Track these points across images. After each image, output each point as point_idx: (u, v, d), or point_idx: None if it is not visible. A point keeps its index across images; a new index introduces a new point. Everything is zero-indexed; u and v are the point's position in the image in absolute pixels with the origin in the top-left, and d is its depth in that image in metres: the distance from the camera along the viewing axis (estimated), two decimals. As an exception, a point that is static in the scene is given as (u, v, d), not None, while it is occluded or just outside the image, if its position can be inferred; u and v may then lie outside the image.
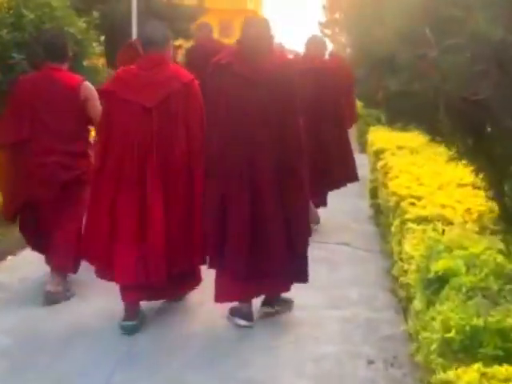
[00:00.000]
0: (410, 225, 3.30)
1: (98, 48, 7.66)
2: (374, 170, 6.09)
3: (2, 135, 4.16)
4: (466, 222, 3.22)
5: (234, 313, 3.72)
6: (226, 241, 3.59)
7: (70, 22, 6.34)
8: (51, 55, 4.14)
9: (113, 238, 3.58)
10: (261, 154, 3.57)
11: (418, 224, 3.25)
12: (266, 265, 3.60)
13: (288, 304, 3.87)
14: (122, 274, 3.58)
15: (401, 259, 3.38)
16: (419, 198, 3.67)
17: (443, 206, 3.48)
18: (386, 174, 4.84)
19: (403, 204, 3.67)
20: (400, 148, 6.00)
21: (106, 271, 3.68)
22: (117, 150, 3.59)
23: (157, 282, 3.57)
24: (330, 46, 46.39)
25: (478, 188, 3.78)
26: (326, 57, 6.28)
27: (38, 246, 4.30)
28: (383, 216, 4.97)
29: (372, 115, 11.68)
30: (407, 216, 3.45)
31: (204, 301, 3.95)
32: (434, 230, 3.07)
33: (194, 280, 3.88)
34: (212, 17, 46.21)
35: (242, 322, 3.69)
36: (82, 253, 3.82)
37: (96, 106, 4.06)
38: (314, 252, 4.19)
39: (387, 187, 4.29)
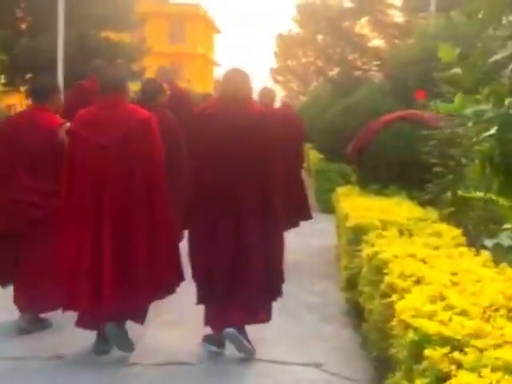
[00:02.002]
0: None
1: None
2: (351, 254, 4.57)
3: None
4: None
5: (207, 340, 4.03)
6: (211, 272, 3.85)
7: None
8: (35, 95, 4.35)
9: (75, 271, 3.74)
10: (245, 191, 3.85)
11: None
12: (247, 291, 3.84)
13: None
14: (74, 303, 3.78)
15: None
16: (459, 346, 2.14)
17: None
18: (381, 272, 3.32)
19: (431, 354, 2.13)
20: (384, 223, 4.56)
21: (69, 301, 3.82)
22: (79, 187, 3.76)
23: (110, 314, 3.69)
24: (281, 93, 46.05)
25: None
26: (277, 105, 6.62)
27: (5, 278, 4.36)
28: (375, 331, 3.40)
29: (334, 170, 10.31)
30: None
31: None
32: None
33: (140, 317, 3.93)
34: (162, 60, 45.67)
35: (214, 349, 3.99)
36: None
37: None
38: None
39: (392, 308, 2.73)
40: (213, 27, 53.71)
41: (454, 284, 2.79)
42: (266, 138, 3.91)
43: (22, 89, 15.67)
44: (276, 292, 4.05)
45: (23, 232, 4.17)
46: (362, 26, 15.11)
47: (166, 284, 3.92)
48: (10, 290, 4.40)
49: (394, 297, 2.73)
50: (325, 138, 11.27)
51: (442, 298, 2.50)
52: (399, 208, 5.24)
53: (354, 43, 14.77)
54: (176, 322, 4.55)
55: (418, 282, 2.83)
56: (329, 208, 9.77)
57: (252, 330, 3.97)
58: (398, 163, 6.32)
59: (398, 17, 14.09)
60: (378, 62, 13.91)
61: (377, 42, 14.59)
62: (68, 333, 4.12)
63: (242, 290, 3.85)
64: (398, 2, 14.04)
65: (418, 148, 6.09)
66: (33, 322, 4.29)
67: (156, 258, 3.79)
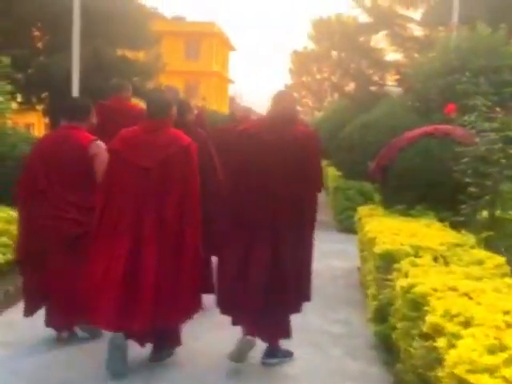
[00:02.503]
0: None
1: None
2: (380, 283, 4.18)
3: (20, 188, 4.41)
4: None
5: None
6: (244, 286, 3.87)
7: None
8: (71, 115, 4.43)
9: (104, 286, 3.73)
10: (282, 208, 3.91)
11: None
12: (279, 303, 3.90)
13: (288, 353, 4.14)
14: (106, 321, 3.75)
15: None
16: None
17: None
18: (419, 308, 2.93)
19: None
20: (415, 249, 4.19)
21: (94, 316, 3.80)
22: (115, 206, 3.82)
23: (140, 331, 3.75)
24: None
25: None
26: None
27: (35, 302, 4.38)
28: (414, 376, 3.00)
29: (353, 188, 9.92)
30: None
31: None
32: None
33: (175, 340, 4.04)
34: (177, 78, 45.86)
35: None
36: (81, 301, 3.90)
37: (103, 162, 4.13)
38: None
39: (438, 354, 2.33)
40: (228, 44, 53.76)
41: (510, 326, 2.40)
42: (306, 158, 3.98)
43: (39, 107, 15.51)
44: (304, 297, 4.08)
45: (58, 249, 4.22)
46: (379, 40, 14.78)
47: (194, 306, 3.99)
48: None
49: (441, 342, 2.34)
50: (343, 155, 10.89)
51: (503, 348, 2.11)
52: (430, 231, 4.86)
53: (370, 57, 14.44)
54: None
55: (466, 323, 2.44)
56: (348, 227, 9.42)
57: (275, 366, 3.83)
58: (425, 182, 5.94)
59: (417, 30, 13.76)
60: (397, 77, 13.55)
61: (394, 55, 14.24)
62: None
63: (272, 310, 3.90)
64: (417, 16, 13.72)
65: (447, 166, 5.74)
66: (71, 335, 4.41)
67: (186, 280, 3.87)
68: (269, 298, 3.85)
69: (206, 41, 48.63)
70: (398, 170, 6.09)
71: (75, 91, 10.19)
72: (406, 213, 5.90)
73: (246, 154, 3.96)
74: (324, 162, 16.83)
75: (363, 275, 5.71)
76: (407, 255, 4.10)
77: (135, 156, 3.83)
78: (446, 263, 3.92)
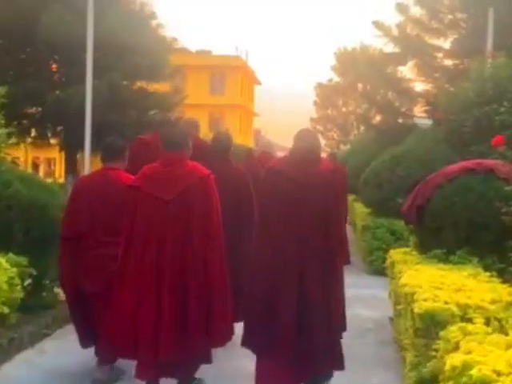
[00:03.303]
0: None
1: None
2: (421, 350, 3.48)
3: (64, 229, 4.56)
4: None
5: None
6: (272, 329, 3.81)
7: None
8: (109, 155, 4.57)
9: (134, 321, 3.84)
10: (309, 248, 3.88)
11: None
12: (310, 350, 3.81)
13: None
14: (144, 373, 3.87)
15: None
16: None
17: None
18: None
19: None
20: (463, 309, 3.50)
21: (125, 350, 3.91)
22: (139, 239, 3.91)
23: (170, 360, 3.80)
24: (321, 142, 45.88)
25: None
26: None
27: (87, 337, 4.52)
28: None
29: (383, 227, 9.21)
30: None
31: None
32: None
33: (207, 360, 4.06)
34: (202, 111, 45.79)
35: None
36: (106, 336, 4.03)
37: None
38: None
39: None
40: (253, 78, 53.83)
41: None
42: (333, 196, 4.01)
43: (54, 141, 15.21)
44: (338, 362, 4.01)
45: (104, 286, 4.28)
46: (407, 71, 14.21)
47: (219, 338, 4.03)
48: None
49: None
50: (371, 190, 10.22)
51: None
52: (477, 284, 4.16)
53: (398, 88, 13.86)
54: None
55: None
56: (378, 269, 8.71)
57: None
58: (468, 224, 5.24)
59: (447, 59, 13.16)
60: (426, 108, 12.92)
61: (422, 86, 13.62)
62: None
63: (305, 348, 3.82)
64: (447, 45, 13.14)
65: (491, 205, 5.06)
66: (109, 372, 4.42)
67: (210, 311, 3.90)
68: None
69: (230, 74, 48.70)
70: (436, 209, 5.40)
71: (88, 125, 9.84)
72: (445, 258, 5.20)
73: (272, 189, 4.02)
74: (351, 197, 16.19)
75: (398, 332, 5.00)
76: (454, 317, 3.43)
77: (155, 189, 3.93)
78: (501, 327, 3.23)
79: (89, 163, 9.88)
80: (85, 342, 4.59)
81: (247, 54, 50.94)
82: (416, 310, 3.65)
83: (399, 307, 4.84)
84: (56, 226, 5.34)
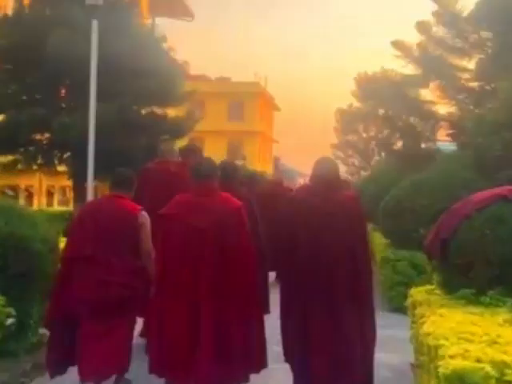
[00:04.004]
0: None
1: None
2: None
3: (68, 250, 4.66)
4: None
5: None
6: (308, 360, 3.98)
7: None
8: (118, 186, 4.82)
9: (170, 345, 4.01)
10: (334, 277, 3.99)
11: None
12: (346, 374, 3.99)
13: None
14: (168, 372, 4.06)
15: None
16: None
17: None
18: None
19: None
20: (499, 368, 2.83)
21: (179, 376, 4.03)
22: (175, 264, 4.08)
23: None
24: (342, 169, 44.96)
25: None
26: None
27: (61, 361, 4.52)
28: None
29: (404, 259, 8.47)
30: None
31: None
32: None
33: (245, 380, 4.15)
34: (220, 137, 45.59)
35: None
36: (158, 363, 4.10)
37: (148, 232, 4.64)
38: None
39: None
40: (272, 104, 53.59)
41: None
42: (354, 224, 4.08)
43: (60, 169, 14.78)
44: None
45: (103, 312, 4.39)
46: (429, 93, 13.57)
47: (257, 364, 4.15)
48: None
49: None
50: (391, 219, 9.51)
51: None
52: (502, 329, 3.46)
53: (420, 111, 13.22)
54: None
55: None
56: (399, 307, 7.95)
57: None
58: (500, 259, 4.54)
59: (471, 81, 12.49)
60: (450, 131, 12.23)
61: (445, 108, 12.94)
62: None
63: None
64: (471, 65, 12.49)
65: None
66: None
67: (248, 337, 4.03)
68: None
69: (249, 101, 48.56)
70: (463, 243, 4.71)
71: (91, 151, 9.38)
72: (475, 300, 4.51)
73: (294, 217, 4.14)
74: (369, 226, 15.42)
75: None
76: (488, 379, 2.76)
77: (190, 218, 4.07)
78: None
79: (92, 190, 9.39)
80: (56, 368, 4.54)
81: (266, 80, 50.88)
82: (441, 370, 2.97)
83: (422, 358, 4.15)
84: (38, 260, 4.94)
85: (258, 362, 4.13)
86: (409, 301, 5.44)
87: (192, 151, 6.47)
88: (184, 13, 28.31)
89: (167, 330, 4.00)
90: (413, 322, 4.94)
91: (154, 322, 4.10)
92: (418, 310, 4.67)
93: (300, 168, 45.52)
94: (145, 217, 4.69)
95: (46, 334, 5.07)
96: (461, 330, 3.52)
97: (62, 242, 5.43)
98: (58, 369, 4.56)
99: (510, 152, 7.81)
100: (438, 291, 5.06)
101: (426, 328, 3.78)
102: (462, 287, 4.66)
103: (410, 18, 12.87)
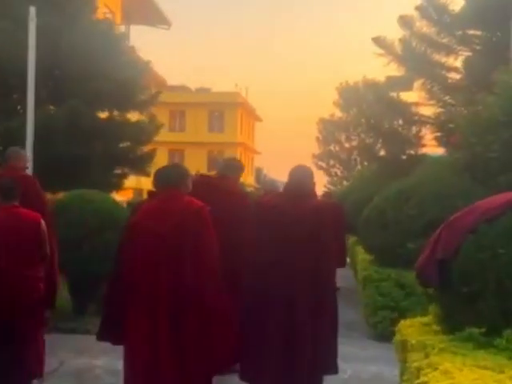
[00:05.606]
0: None
1: None
2: None
3: None
4: None
5: None
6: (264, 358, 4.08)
7: None
8: (6, 196, 4.79)
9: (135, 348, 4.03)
10: (297, 283, 4.07)
11: None
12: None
13: None
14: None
15: None
16: None
17: None
18: None
19: None
20: None
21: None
22: (137, 270, 4.08)
23: None
24: (324, 179, 44.15)
25: None
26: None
27: None
28: None
29: (389, 279, 7.30)
30: None
31: None
32: None
33: None
34: (200, 149, 44.45)
35: None
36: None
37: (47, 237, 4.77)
38: None
39: None
40: (253, 115, 52.68)
41: None
42: (320, 231, 4.16)
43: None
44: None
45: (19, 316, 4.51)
46: (413, 93, 12.64)
47: (220, 363, 4.16)
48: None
49: None
50: (373, 232, 8.37)
51: None
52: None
53: (404, 114, 12.24)
54: None
55: None
56: (384, 334, 6.77)
57: None
58: (517, 287, 3.41)
59: (460, 79, 11.50)
60: (438, 134, 11.21)
61: (431, 110, 11.92)
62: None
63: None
64: (458, 63, 11.51)
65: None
66: None
67: (210, 341, 4.01)
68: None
69: (230, 111, 47.61)
70: (468, 265, 3.55)
71: (30, 158, 8.20)
72: (485, 342, 3.36)
73: (263, 222, 4.25)
74: (351, 238, 14.32)
75: None
76: None
77: (151, 223, 4.10)
78: None
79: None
80: None
81: (247, 91, 49.90)
82: None
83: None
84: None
85: (222, 359, 4.14)
86: (397, 338, 4.26)
87: (235, 168, 5.75)
88: (160, 21, 27.26)
89: (131, 341, 4.04)
90: (405, 369, 3.77)
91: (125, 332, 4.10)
92: (411, 356, 3.50)
93: (283, 178, 44.62)
94: (44, 224, 4.80)
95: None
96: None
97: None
98: None
99: (509, 153, 6.76)
100: (435, 327, 3.90)
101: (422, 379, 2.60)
102: (468, 323, 3.49)
103: (392, 19, 11.90)
